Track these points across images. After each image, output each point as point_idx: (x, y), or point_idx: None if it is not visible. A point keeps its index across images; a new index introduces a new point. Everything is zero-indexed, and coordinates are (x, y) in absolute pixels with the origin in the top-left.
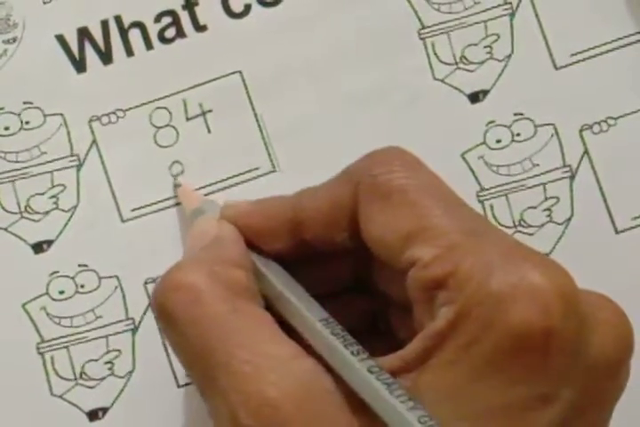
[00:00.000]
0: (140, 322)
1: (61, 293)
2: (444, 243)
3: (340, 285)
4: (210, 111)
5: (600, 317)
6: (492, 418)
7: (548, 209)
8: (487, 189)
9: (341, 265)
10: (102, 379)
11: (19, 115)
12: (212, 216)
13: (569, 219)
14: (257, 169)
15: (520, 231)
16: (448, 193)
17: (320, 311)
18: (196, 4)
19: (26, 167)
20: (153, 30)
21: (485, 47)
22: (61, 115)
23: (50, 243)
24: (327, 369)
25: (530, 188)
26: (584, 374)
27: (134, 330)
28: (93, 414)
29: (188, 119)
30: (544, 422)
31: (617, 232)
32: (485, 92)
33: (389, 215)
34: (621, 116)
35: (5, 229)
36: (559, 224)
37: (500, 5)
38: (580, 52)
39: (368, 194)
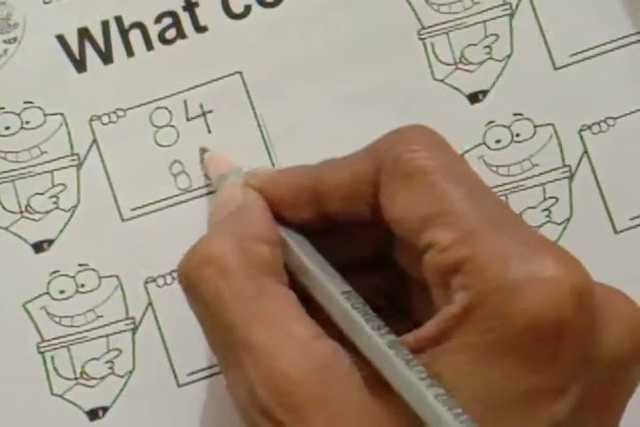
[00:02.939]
0: (140, 321)
1: (62, 292)
2: (462, 228)
3: (362, 259)
4: (210, 112)
5: (614, 311)
6: (503, 406)
7: (548, 209)
8: None
9: (364, 239)
10: (102, 378)
11: (19, 114)
12: (237, 182)
13: (568, 219)
14: (257, 169)
15: None
16: (470, 176)
17: (342, 284)
18: (197, 4)
19: (26, 167)
20: (153, 31)
21: (485, 47)
22: (62, 114)
23: (50, 242)
24: (348, 349)
25: (529, 188)
26: (596, 368)
27: (134, 329)
28: (94, 414)
29: (188, 119)
30: (553, 414)
31: (616, 232)
32: (485, 93)
33: (409, 195)
34: (621, 117)
35: (6, 229)
36: (558, 224)
37: (499, 6)
38: (579, 53)
39: (390, 172)
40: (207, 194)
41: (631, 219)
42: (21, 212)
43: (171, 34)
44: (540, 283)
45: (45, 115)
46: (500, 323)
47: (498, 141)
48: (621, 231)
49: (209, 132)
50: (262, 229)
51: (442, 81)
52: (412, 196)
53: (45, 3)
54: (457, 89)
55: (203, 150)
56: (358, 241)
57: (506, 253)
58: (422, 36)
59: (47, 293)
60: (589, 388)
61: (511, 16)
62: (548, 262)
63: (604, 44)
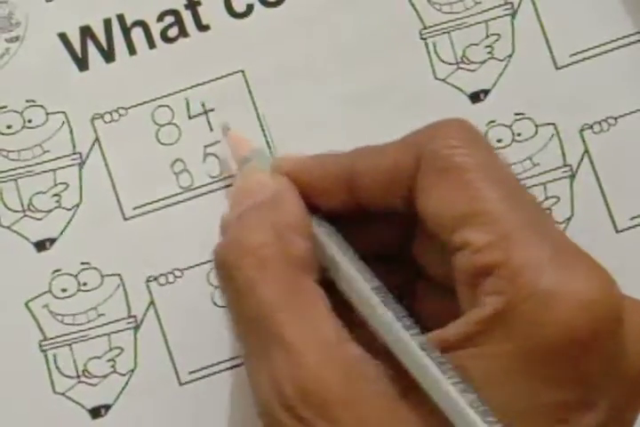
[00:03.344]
0: (142, 320)
1: (64, 291)
2: (497, 230)
3: (382, 250)
4: (212, 110)
5: (635, 322)
6: (529, 418)
7: (549, 209)
8: None
9: (387, 230)
10: (104, 376)
11: (21, 113)
12: (264, 167)
13: (569, 218)
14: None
15: None
16: (508, 176)
17: (372, 279)
18: (199, 3)
19: (28, 166)
20: (155, 29)
21: (486, 47)
22: (64, 113)
23: (52, 241)
24: (373, 349)
25: (530, 187)
26: (624, 381)
27: (136, 328)
28: (96, 412)
29: (190, 118)
30: None
31: (617, 231)
32: (486, 92)
33: (445, 192)
34: (622, 116)
35: (8, 228)
36: (559, 223)
37: (500, 5)
38: (580, 52)
39: (428, 166)
40: (209, 193)
41: (632, 218)
42: (24, 210)
43: (173, 32)
44: (573, 294)
45: (47, 113)
46: (530, 332)
47: (499, 141)
48: (622, 231)
49: (211, 130)
50: (300, 222)
51: (443, 80)
52: (448, 192)
53: (47, 1)
54: (458, 88)
55: (225, 128)
56: (382, 232)
57: (539, 259)
58: (424, 36)
59: (49, 291)
60: (617, 402)
61: (513, 16)
62: (581, 274)
63: (604, 44)
